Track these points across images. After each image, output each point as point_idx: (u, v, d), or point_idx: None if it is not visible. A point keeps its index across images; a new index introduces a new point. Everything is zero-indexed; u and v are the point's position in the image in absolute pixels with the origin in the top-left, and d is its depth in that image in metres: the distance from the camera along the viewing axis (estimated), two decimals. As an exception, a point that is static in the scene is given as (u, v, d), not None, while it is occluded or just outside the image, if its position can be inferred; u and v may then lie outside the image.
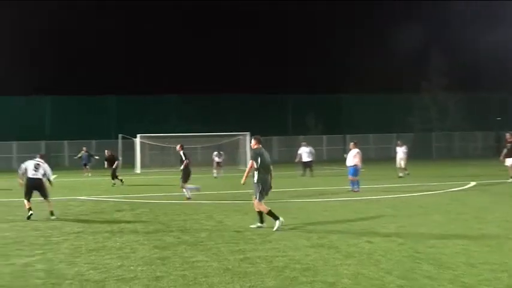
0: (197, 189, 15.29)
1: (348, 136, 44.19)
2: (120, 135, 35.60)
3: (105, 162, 22.68)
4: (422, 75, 46.82)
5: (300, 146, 25.74)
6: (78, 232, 9.40)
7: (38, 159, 11.70)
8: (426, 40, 46.86)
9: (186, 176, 15.09)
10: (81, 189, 19.55)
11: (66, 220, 11.08)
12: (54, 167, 35.68)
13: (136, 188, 19.65)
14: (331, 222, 10.31)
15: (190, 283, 5.87)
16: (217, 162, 25.90)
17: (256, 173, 9.27)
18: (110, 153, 22.81)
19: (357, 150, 16.83)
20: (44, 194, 11.60)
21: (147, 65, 52.53)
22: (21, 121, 43.14)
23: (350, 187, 16.54)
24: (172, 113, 45.68)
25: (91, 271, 6.47)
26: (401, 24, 50.76)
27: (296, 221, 10.31)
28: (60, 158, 42.51)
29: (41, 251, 7.71)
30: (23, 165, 11.51)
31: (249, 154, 33.27)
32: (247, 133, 33.91)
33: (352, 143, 17.43)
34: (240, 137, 34.99)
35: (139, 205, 13.73)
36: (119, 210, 12.62)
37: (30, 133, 42.10)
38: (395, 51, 49.39)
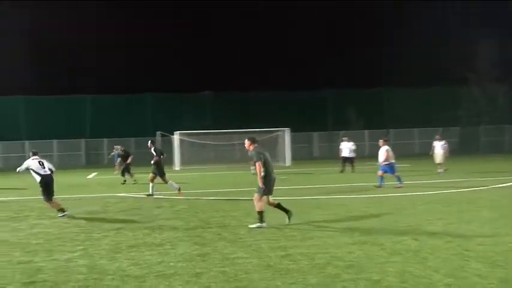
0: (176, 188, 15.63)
1: (392, 131, 43.50)
2: (158, 133, 36.13)
3: (118, 159, 22.92)
4: (469, 67, 45.40)
5: (341, 141, 25.47)
6: (118, 228, 9.61)
7: (35, 157, 11.89)
8: (473, 30, 45.24)
9: (161, 171, 15.69)
10: (120, 186, 19.96)
11: (106, 217, 11.35)
12: (94, 164, 36.95)
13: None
14: (374, 218, 10.16)
15: (231, 279, 5.90)
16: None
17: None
18: (122, 149, 23.13)
19: (386, 147, 16.62)
20: (53, 190, 11.90)
21: (184, 62, 53.06)
22: (61, 120, 44.52)
23: (378, 183, 16.31)
24: (210, 110, 46.03)
25: (131, 267, 6.60)
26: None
27: (337, 218, 10.22)
28: (99, 156, 43.63)
29: (83, 247, 7.93)
30: (24, 166, 11.80)
31: (287, 150, 33.32)
32: (287, 129, 33.86)
33: (381, 140, 17.20)
34: (279, 133, 34.94)
35: (178, 202, 13.92)
36: (158, 207, 12.82)
37: (71, 131, 43.43)
38: (441, 41, 48.03)
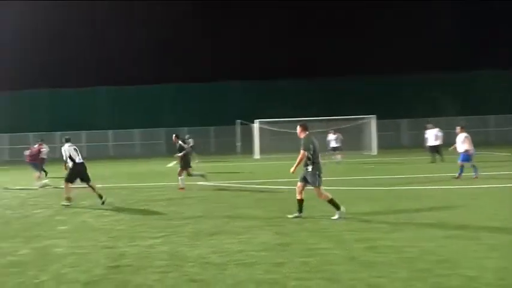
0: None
1: (492, 117, 41.32)
2: (238, 121, 36.73)
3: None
4: None
5: (426, 129, 24.31)
6: (199, 216, 9.87)
7: (70, 143, 12.46)
8: None
9: (186, 164, 15.48)
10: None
11: (186, 204, 11.70)
12: (172, 153, 38.13)
13: (255, 174, 20.12)
14: (469, 211, 9.66)
15: (313, 270, 5.86)
16: (334, 147, 25.45)
17: (310, 162, 9.24)
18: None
19: (464, 134, 15.71)
20: (87, 176, 12.44)
21: (265, 49, 53.15)
22: (142, 109, 46.53)
23: (457, 174, 15.42)
24: (292, 97, 45.88)
25: (212, 255, 6.74)
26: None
27: (426, 209, 9.84)
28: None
29: (164, 234, 8.22)
30: (66, 153, 12.29)
31: (374, 138, 32.56)
32: (373, 116, 33.06)
33: (459, 127, 16.28)
34: (365, 120, 34.24)
35: (258, 191, 14.05)
36: (238, 195, 13.03)
37: (151, 121, 45.28)
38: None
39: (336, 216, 9.06)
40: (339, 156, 25.19)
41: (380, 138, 33.94)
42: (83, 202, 12.70)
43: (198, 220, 9.48)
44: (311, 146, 9.17)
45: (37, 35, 49.47)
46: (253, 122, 34.62)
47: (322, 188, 9.27)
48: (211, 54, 53.24)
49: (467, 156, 15.59)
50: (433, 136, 23.12)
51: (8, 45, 48.50)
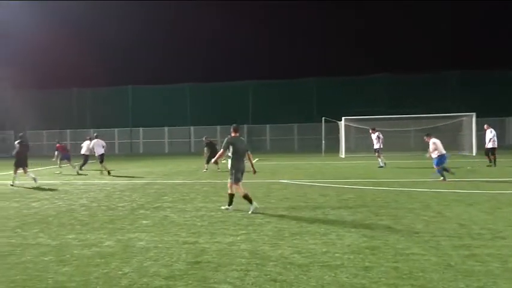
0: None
1: None
2: (323, 118, 36.39)
3: (205, 149, 22.92)
4: None
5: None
6: (281, 215, 9.86)
7: (98, 138, 15.59)
8: None
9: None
10: (283, 172, 20.52)
11: (269, 202, 11.73)
12: (256, 150, 38.52)
13: (341, 173, 19.83)
14: None
15: (405, 276, 5.64)
16: (375, 149, 23.65)
17: (230, 160, 10.64)
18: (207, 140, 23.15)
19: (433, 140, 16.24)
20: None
21: (351, 44, 52.33)
22: (225, 106, 47.43)
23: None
24: (382, 94, 44.78)
25: (295, 255, 6.69)
26: None
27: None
28: (261, 142, 45.61)
29: (245, 232, 8.28)
30: (96, 145, 15.45)
31: (473, 138, 30.98)
32: (473, 114, 31.50)
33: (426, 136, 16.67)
34: (464, 118, 32.74)
35: (344, 190, 13.82)
36: (323, 195, 12.88)
37: (233, 117, 46.03)
38: None
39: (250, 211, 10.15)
40: (379, 160, 23.24)
41: (479, 138, 32.26)
42: (164, 197, 13.12)
43: (280, 218, 9.47)
44: (230, 147, 10.59)
45: (119, 35, 51.95)
46: (339, 120, 34.16)
47: (239, 184, 10.54)
48: (296, 50, 53.28)
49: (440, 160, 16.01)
50: (488, 138, 22.12)
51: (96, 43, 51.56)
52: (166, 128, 47.90)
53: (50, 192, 14.93)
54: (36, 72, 48.74)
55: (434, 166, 16.20)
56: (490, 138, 21.92)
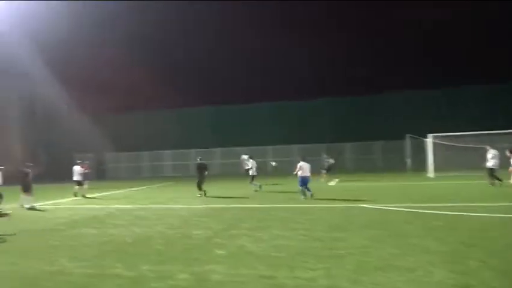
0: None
1: None
2: (407, 136, 35.51)
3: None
4: None
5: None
6: (363, 246, 9.61)
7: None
8: None
9: None
10: (364, 195, 20.10)
11: (350, 230, 11.50)
12: (335, 170, 38.11)
13: (428, 195, 19.15)
14: None
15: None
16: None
17: None
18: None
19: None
20: None
21: (436, 56, 51.06)
22: (303, 125, 47.51)
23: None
24: (474, 107, 43.05)
25: (378, 293, 6.50)
26: None
27: None
28: (342, 162, 44.99)
29: (325, 265, 8.13)
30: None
31: None
32: None
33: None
34: None
35: (431, 216, 13.32)
36: (407, 222, 12.47)
37: (310, 137, 45.99)
38: None
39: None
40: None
41: None
42: (240, 224, 13.21)
43: (362, 250, 9.24)
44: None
45: (208, 55, 53.69)
46: (425, 137, 33.16)
47: None
48: (370, 64, 52.73)
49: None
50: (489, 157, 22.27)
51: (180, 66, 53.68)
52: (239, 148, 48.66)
53: (127, 218, 15.47)
54: (111, 97, 51.53)
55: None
56: (487, 158, 22.11)
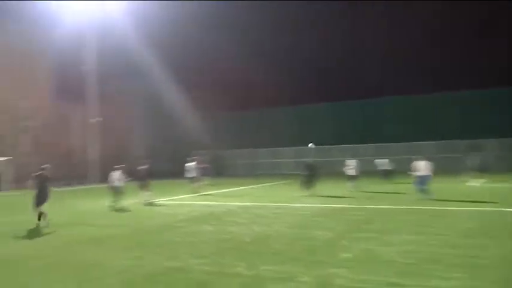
0: None
1: None
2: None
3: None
4: None
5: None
6: (505, 256, 8.58)
7: None
8: None
9: None
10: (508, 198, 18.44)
11: (491, 237, 10.38)
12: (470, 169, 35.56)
13: None
14: None
15: None
16: None
17: None
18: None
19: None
20: None
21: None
22: (430, 119, 45.41)
23: None
24: None
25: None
26: None
27: None
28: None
29: (460, 274, 7.31)
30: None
31: None
32: None
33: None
34: None
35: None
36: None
37: (439, 132, 43.71)
38: None
39: None
40: None
41: None
42: (365, 226, 12.54)
43: (505, 260, 8.23)
44: None
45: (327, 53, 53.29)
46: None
47: None
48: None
49: None
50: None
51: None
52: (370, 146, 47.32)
53: (245, 216, 15.36)
54: (229, 96, 52.55)
55: None
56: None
